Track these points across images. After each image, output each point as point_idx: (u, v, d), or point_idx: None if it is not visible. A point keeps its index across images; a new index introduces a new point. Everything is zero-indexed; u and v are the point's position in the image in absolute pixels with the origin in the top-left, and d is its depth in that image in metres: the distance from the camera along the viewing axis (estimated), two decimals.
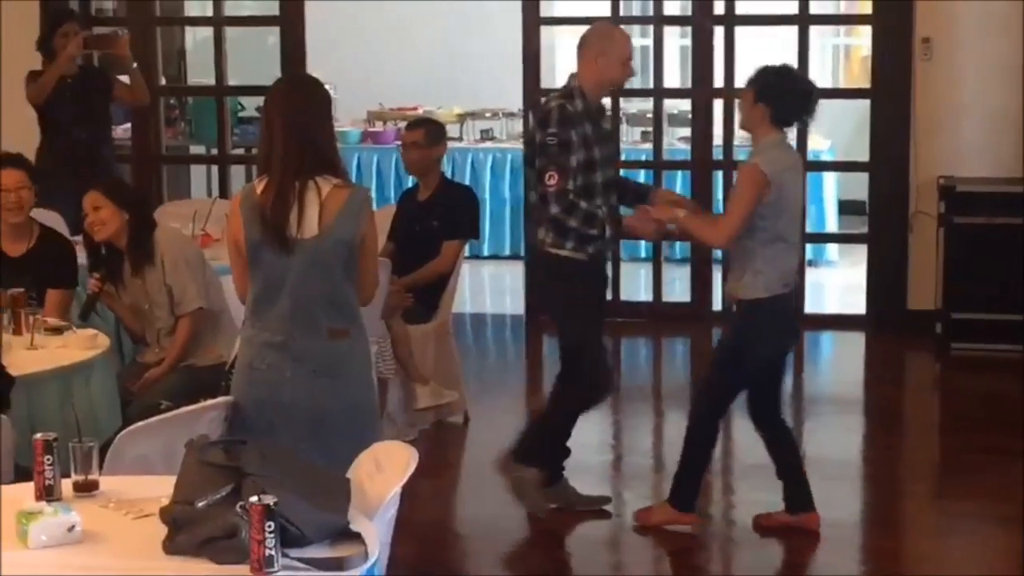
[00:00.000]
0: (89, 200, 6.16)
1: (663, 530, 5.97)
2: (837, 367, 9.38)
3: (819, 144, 11.35)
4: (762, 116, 5.67)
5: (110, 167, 8.75)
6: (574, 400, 6.12)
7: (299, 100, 4.55)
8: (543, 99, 6.20)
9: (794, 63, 9.50)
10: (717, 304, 9.50)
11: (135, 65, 8.91)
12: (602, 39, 5.95)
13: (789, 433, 6.07)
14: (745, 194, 5.62)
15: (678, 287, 10.12)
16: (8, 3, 9.44)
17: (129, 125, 10.25)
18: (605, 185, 5.93)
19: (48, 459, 3.78)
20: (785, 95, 5.73)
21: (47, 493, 3.77)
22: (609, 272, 6.37)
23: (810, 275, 10.03)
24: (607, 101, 6.50)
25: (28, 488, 3.82)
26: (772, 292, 5.68)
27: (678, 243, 11.14)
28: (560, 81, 13.26)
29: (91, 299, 6.21)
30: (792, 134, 10.14)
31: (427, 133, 7.63)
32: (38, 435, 3.84)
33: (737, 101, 5.88)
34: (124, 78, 8.91)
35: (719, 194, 9.70)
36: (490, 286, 11.65)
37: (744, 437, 6.40)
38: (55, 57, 8.54)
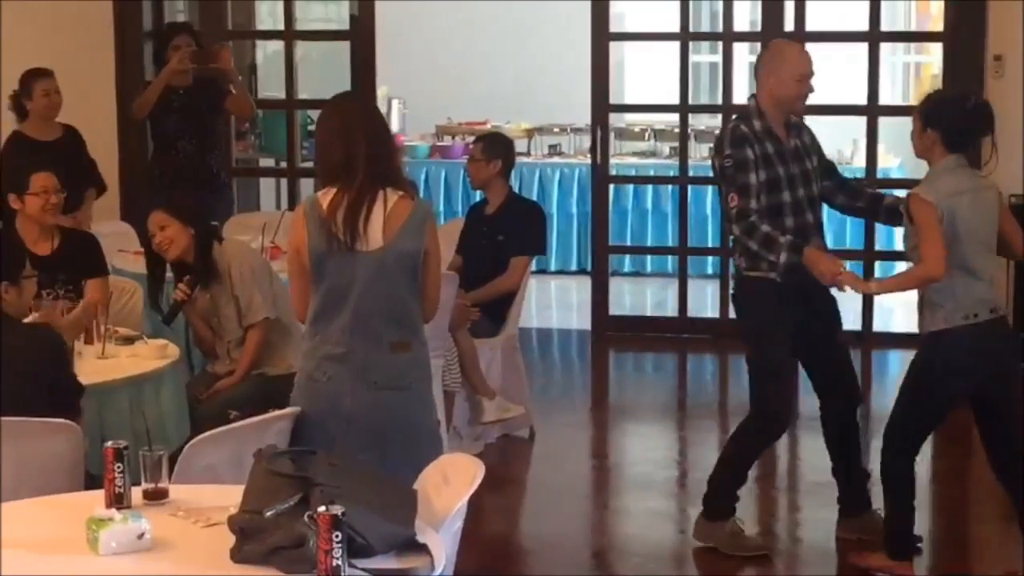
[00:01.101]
0: (155, 220, 6.20)
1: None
2: None
3: (889, 162, 11.28)
4: (932, 142, 5.51)
5: (216, 180, 8.78)
6: (753, 432, 5.98)
7: (362, 114, 4.60)
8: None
9: (864, 80, 9.51)
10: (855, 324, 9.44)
11: (239, 78, 8.96)
12: (773, 58, 5.87)
13: None
14: (927, 223, 5.39)
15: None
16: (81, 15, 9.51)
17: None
18: (795, 204, 5.81)
19: (119, 467, 3.82)
20: (954, 119, 5.53)
21: (117, 501, 3.80)
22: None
23: None
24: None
25: (98, 496, 3.85)
26: (952, 324, 5.45)
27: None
28: (629, 97, 13.31)
29: (175, 307, 6.25)
30: (860, 152, 10.18)
31: (484, 147, 7.64)
32: (108, 443, 3.87)
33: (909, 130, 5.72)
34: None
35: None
36: (557, 301, 11.65)
37: (810, 454, 6.35)
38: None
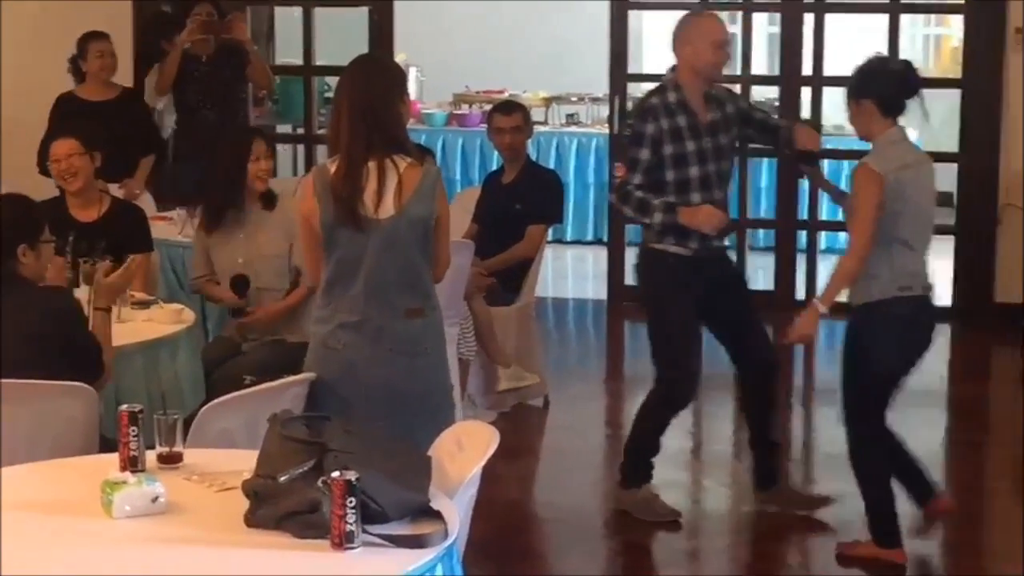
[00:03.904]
0: (259, 148, 6.26)
1: (741, 517, 5.94)
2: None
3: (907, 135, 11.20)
4: (870, 114, 5.41)
5: None
6: (657, 401, 6.03)
7: (366, 79, 4.56)
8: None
9: (884, 51, 9.46)
10: (801, 294, 9.45)
11: (255, 48, 8.94)
12: (688, 28, 5.83)
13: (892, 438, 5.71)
14: (865, 200, 5.32)
15: (762, 276, 10.06)
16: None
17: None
18: (704, 179, 5.79)
19: (133, 431, 3.82)
20: (885, 83, 5.44)
21: (131, 464, 3.80)
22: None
23: None
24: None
25: (113, 459, 3.86)
26: (885, 295, 5.38)
27: (762, 231, 11.12)
28: (648, 67, 13.25)
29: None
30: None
31: (525, 118, 7.66)
32: (123, 407, 3.87)
33: (846, 114, 5.64)
34: None
35: (806, 184, 9.62)
36: (573, 270, 11.63)
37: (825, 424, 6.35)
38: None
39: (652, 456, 6.07)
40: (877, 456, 5.56)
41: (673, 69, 5.86)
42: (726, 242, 6.21)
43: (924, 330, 5.51)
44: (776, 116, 6.03)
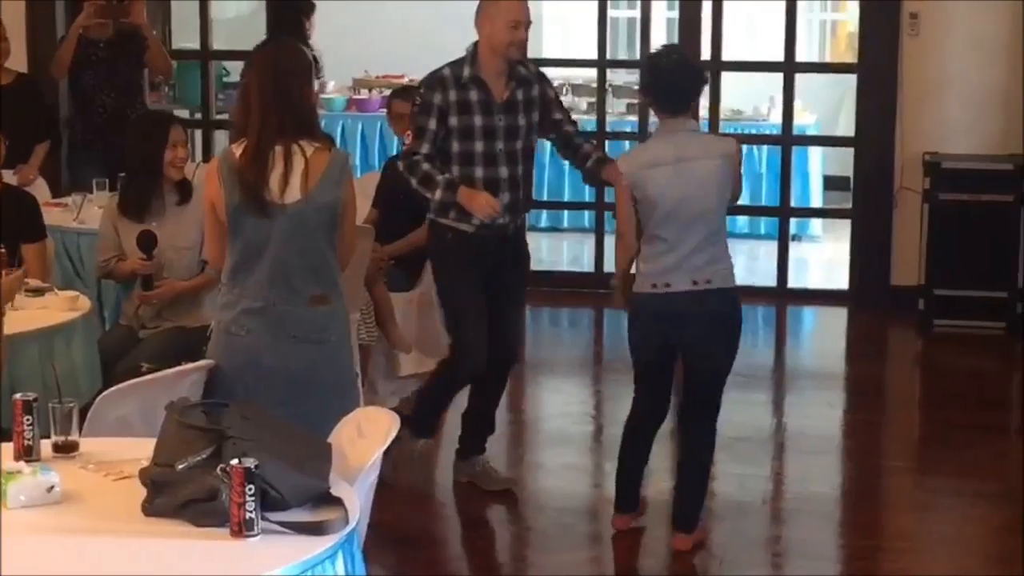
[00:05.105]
0: (177, 134, 6.22)
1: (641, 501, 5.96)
2: (819, 342, 9.38)
3: (805, 119, 11.34)
4: (649, 106, 5.42)
5: None
6: (446, 374, 6.20)
7: (276, 64, 4.53)
8: None
9: (781, 37, 9.54)
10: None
11: (154, 33, 8.81)
12: (488, 5, 5.86)
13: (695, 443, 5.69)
14: (618, 194, 5.46)
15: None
16: None
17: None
18: (489, 155, 5.84)
19: (28, 419, 3.76)
20: (659, 78, 5.38)
21: (26, 453, 3.74)
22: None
23: (794, 250, 10.04)
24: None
25: (7, 449, 3.79)
26: (640, 290, 5.45)
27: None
28: (548, 52, 13.24)
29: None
30: (776, 109, 10.24)
31: None
32: (17, 395, 3.82)
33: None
34: None
35: None
36: None
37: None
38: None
39: (438, 418, 6.40)
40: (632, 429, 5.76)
41: (474, 44, 5.90)
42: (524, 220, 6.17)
43: (681, 321, 5.40)
44: (584, 141, 6.08)
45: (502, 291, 6.06)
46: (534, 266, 7.43)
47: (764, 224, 11.43)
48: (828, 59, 14.52)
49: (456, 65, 5.88)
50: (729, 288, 5.43)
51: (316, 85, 8.91)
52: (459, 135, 5.82)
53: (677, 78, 5.36)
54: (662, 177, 5.32)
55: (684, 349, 5.48)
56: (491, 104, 5.86)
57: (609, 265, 9.93)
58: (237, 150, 4.48)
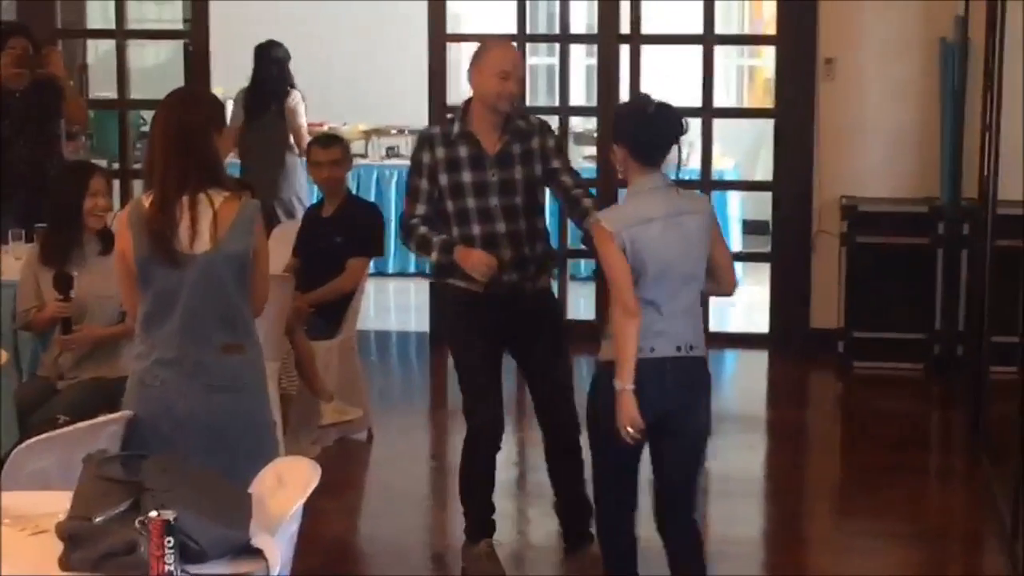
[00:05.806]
0: (97, 184, 6.19)
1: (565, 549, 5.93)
2: (740, 385, 9.42)
3: (724, 164, 11.43)
4: (624, 159, 4.87)
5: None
6: (466, 444, 5.79)
7: (181, 112, 4.53)
8: None
9: (699, 82, 9.62)
10: None
11: (71, 83, 8.75)
12: (478, 56, 5.69)
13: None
14: (605, 257, 4.82)
15: (583, 306, 10.16)
16: None
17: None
18: (484, 211, 5.62)
19: None
20: (637, 129, 4.87)
21: None
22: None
23: None
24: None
25: None
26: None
27: (583, 262, 11.21)
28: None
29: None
30: (695, 154, 10.30)
31: (345, 151, 7.65)
32: None
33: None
34: None
35: None
36: (395, 303, 11.60)
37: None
38: None
39: (485, 505, 5.83)
40: (625, 528, 5.19)
41: (468, 99, 5.78)
42: (548, 280, 5.89)
43: (664, 390, 4.83)
44: (584, 194, 5.79)
45: (531, 357, 5.80)
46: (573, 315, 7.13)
47: None
48: (746, 104, 14.65)
49: (448, 121, 5.75)
50: (705, 356, 5.01)
51: (303, 121, 9.06)
52: (450, 193, 5.62)
53: (663, 127, 4.88)
54: (655, 232, 4.80)
55: (667, 418, 4.88)
56: (482, 158, 5.64)
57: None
58: (147, 200, 4.48)
